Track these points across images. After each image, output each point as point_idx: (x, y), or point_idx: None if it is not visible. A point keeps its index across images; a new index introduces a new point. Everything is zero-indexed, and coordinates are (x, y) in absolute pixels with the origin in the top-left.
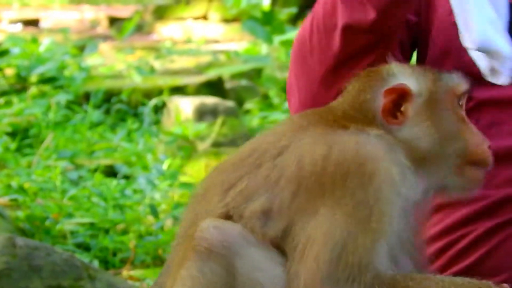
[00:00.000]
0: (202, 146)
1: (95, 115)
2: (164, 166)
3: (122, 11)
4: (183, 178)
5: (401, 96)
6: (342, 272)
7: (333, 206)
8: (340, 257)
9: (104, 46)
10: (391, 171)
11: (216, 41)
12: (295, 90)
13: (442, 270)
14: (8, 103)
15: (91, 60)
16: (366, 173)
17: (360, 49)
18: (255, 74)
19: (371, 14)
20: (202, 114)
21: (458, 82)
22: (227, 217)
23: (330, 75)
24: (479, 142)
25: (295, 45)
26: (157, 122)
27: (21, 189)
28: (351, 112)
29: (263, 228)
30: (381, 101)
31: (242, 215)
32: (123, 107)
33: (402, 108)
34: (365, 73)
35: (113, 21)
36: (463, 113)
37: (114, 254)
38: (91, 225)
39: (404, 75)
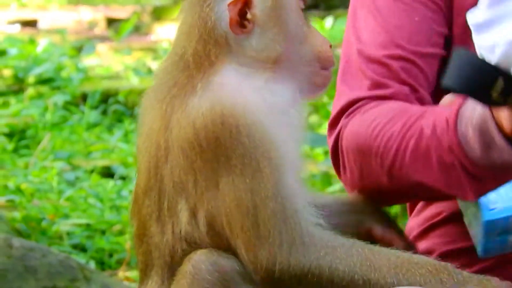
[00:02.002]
0: None
1: (92, 116)
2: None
3: (120, 12)
4: None
5: (245, 4)
6: (268, 231)
7: (227, 173)
8: (257, 218)
9: (102, 47)
10: (253, 108)
11: None
12: (353, 167)
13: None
14: (5, 104)
15: (88, 61)
16: (231, 127)
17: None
18: None
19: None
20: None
21: None
22: (188, 243)
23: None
24: (322, 43)
25: (354, 133)
26: None
27: (18, 190)
28: (201, 47)
29: (199, 232)
30: (227, 16)
31: (184, 232)
32: (120, 108)
33: (249, 16)
34: None
35: (111, 22)
36: (304, 15)
37: (110, 255)
38: (88, 226)
39: None
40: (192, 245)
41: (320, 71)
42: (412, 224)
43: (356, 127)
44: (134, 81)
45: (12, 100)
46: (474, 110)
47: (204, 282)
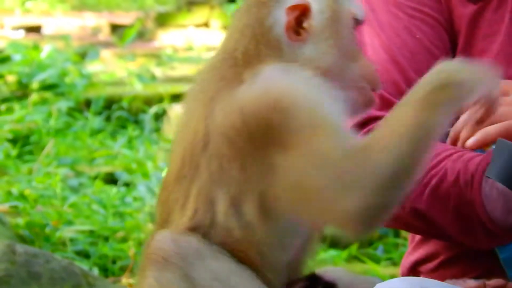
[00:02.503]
0: None
1: (96, 122)
2: (164, 174)
3: (124, 18)
4: None
5: (303, 12)
6: (345, 179)
7: (284, 151)
8: (328, 172)
9: (106, 53)
10: (303, 90)
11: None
12: None
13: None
14: (9, 110)
15: (92, 67)
16: (283, 109)
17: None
18: None
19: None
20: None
21: (357, 7)
22: (194, 230)
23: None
24: (369, 65)
25: None
26: (157, 130)
27: (21, 196)
28: (253, 47)
29: (240, 220)
30: (284, 21)
31: (214, 222)
32: (124, 114)
33: (305, 25)
34: (255, 1)
35: (115, 28)
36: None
37: (114, 262)
38: (91, 232)
39: None
40: (228, 231)
41: (367, 91)
42: None
43: None
44: (138, 87)
45: (16, 106)
46: None
47: (161, 252)
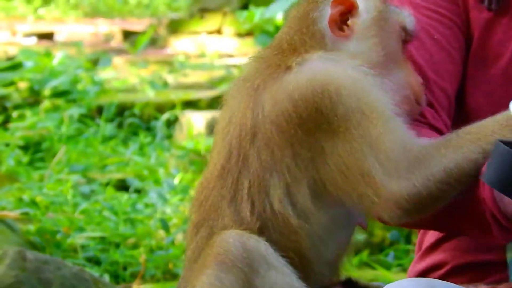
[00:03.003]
0: None
1: (108, 129)
2: (176, 181)
3: (136, 25)
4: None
5: (348, 9)
6: (392, 163)
7: (332, 137)
8: (377, 156)
9: (118, 60)
10: (350, 75)
11: (230, 56)
12: None
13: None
14: (21, 117)
15: (104, 73)
16: (331, 93)
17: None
18: None
19: None
20: (214, 128)
21: (407, 17)
22: (261, 229)
23: None
24: (415, 77)
25: None
26: (169, 137)
27: (33, 203)
28: (298, 38)
29: (295, 208)
30: (328, 15)
31: (273, 210)
32: (136, 121)
33: (349, 22)
34: None
35: (127, 34)
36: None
37: (125, 268)
38: (102, 239)
39: None
40: (284, 221)
41: (411, 101)
42: (424, 234)
43: None
44: (150, 94)
45: (28, 112)
46: None
47: (228, 254)
